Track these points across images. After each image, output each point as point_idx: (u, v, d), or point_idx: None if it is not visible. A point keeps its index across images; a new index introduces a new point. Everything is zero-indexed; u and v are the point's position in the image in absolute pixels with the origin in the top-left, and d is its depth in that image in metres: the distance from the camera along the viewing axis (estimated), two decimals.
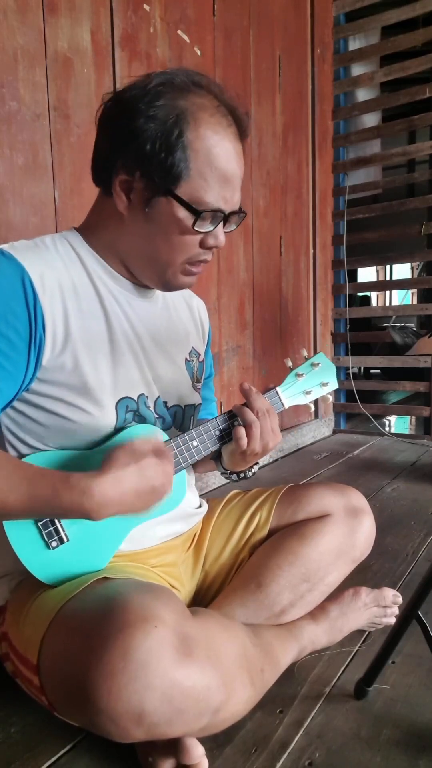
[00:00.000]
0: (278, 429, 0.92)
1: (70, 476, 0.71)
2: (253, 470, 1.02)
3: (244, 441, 0.89)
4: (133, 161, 0.80)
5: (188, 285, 0.91)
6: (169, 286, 0.90)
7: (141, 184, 0.81)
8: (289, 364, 0.98)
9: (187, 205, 0.80)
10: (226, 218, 0.84)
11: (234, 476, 1.01)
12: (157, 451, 0.78)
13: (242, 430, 0.88)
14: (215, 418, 0.91)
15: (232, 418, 0.92)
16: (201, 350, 1.07)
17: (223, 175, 0.81)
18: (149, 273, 0.88)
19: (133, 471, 0.74)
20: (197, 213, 0.80)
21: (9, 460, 0.74)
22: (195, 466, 1.07)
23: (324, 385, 0.98)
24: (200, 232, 0.83)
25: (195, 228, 0.81)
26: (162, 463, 0.77)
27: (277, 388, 0.96)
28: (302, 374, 0.96)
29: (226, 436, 0.92)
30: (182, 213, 0.81)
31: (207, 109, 0.80)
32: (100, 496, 0.70)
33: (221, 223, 0.84)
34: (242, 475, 1.01)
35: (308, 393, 0.97)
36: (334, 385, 0.99)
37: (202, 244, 0.85)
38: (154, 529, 0.93)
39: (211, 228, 0.83)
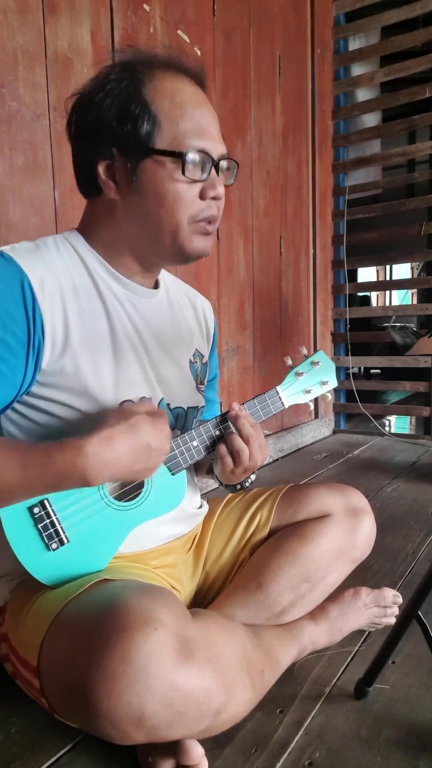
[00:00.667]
0: (265, 443, 0.92)
1: (63, 440, 0.71)
2: (250, 479, 1.02)
3: (229, 460, 0.88)
4: (107, 144, 0.81)
5: (206, 249, 0.87)
6: (186, 254, 0.86)
7: (122, 160, 0.81)
8: (289, 362, 0.98)
9: (170, 153, 0.79)
10: (216, 166, 0.83)
11: (231, 488, 1.02)
12: (149, 411, 0.77)
13: (224, 449, 0.88)
14: (215, 417, 0.91)
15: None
16: (205, 352, 1.07)
17: (195, 118, 0.81)
18: (162, 250, 0.86)
19: (124, 428, 0.73)
20: (181, 156, 0.79)
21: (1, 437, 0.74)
22: (196, 471, 1.07)
23: (324, 383, 0.98)
24: (193, 180, 0.81)
25: (186, 175, 0.80)
26: (155, 421, 0.76)
27: (277, 388, 0.96)
28: (302, 373, 0.96)
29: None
30: (169, 165, 0.80)
31: (156, 67, 0.82)
32: (94, 455, 0.70)
33: (213, 170, 0.83)
34: (239, 486, 1.01)
35: (308, 392, 0.97)
36: (333, 383, 0.99)
37: (202, 197, 0.83)
38: (156, 530, 0.93)
39: (203, 176, 0.81)
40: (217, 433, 0.90)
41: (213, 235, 0.87)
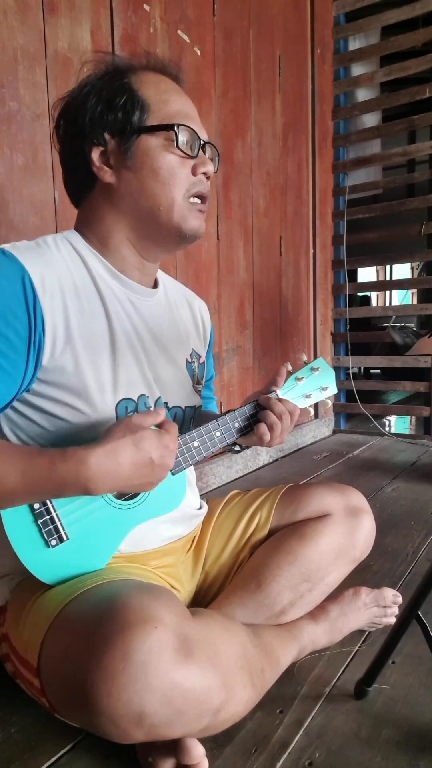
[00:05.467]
0: (294, 422, 0.94)
1: (67, 449, 0.72)
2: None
3: (267, 437, 0.91)
4: (97, 131, 0.84)
5: (200, 227, 0.90)
6: (183, 232, 0.88)
7: (114, 143, 0.85)
8: (289, 368, 0.98)
9: (162, 126, 0.84)
10: (203, 147, 0.88)
11: (236, 447, 1.01)
12: (159, 424, 0.79)
13: (264, 427, 0.90)
14: (216, 420, 0.91)
15: (233, 420, 0.92)
16: (201, 352, 1.07)
17: (179, 104, 0.86)
18: (158, 228, 0.88)
19: (129, 442, 0.73)
20: (173, 127, 0.83)
21: (2, 442, 0.75)
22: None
23: (324, 389, 0.99)
24: (186, 154, 0.85)
25: (178, 146, 0.84)
26: (161, 436, 0.77)
27: (277, 391, 0.96)
28: (302, 378, 0.97)
29: (227, 438, 0.92)
30: (161, 139, 0.84)
31: (136, 66, 0.88)
32: (97, 466, 0.71)
33: (201, 150, 0.87)
34: (244, 446, 1.01)
35: (308, 396, 0.98)
36: (333, 389, 1.00)
37: (194, 172, 0.87)
38: (156, 530, 0.93)
39: (193, 152, 0.86)
40: (218, 434, 0.91)
41: (205, 216, 0.91)
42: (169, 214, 0.86)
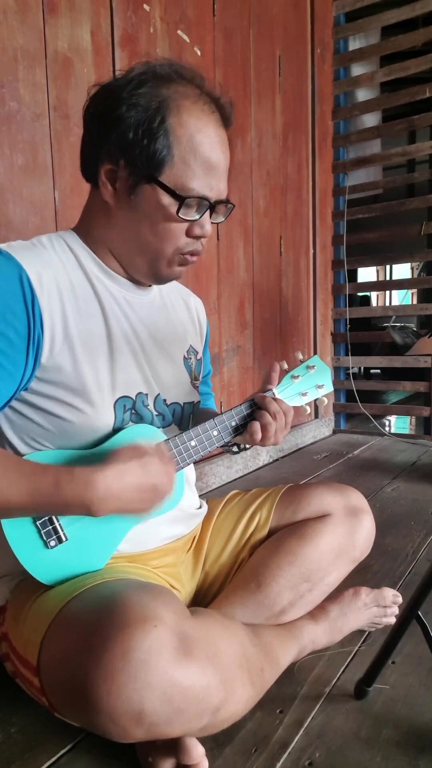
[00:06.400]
0: (289, 423, 0.94)
1: (74, 469, 0.72)
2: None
3: (258, 436, 0.90)
4: (116, 150, 0.80)
5: (179, 275, 0.91)
6: (160, 278, 0.90)
7: (125, 173, 0.81)
8: (285, 366, 0.99)
9: (171, 192, 0.80)
10: (212, 208, 0.84)
11: (234, 447, 1.01)
12: (159, 452, 0.79)
13: (257, 425, 0.90)
14: (213, 419, 0.91)
15: (230, 419, 0.92)
16: (199, 348, 1.07)
17: (207, 161, 0.81)
18: (140, 265, 0.88)
19: (136, 466, 0.75)
20: (181, 199, 0.80)
21: (8, 457, 0.75)
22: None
23: (319, 387, 0.99)
24: (185, 220, 0.82)
25: (180, 215, 0.81)
26: (164, 464, 0.78)
27: (274, 390, 0.96)
28: (298, 376, 0.97)
29: (224, 437, 0.92)
30: (166, 200, 0.81)
31: (189, 96, 0.81)
32: (104, 489, 0.71)
33: (207, 213, 0.84)
34: (243, 447, 1.01)
35: (304, 395, 0.98)
36: (329, 387, 1.00)
37: (189, 234, 0.85)
38: (156, 530, 0.93)
39: (196, 216, 0.83)
40: (215, 433, 0.91)
41: (189, 266, 0.90)
42: (153, 262, 0.87)
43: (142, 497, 0.76)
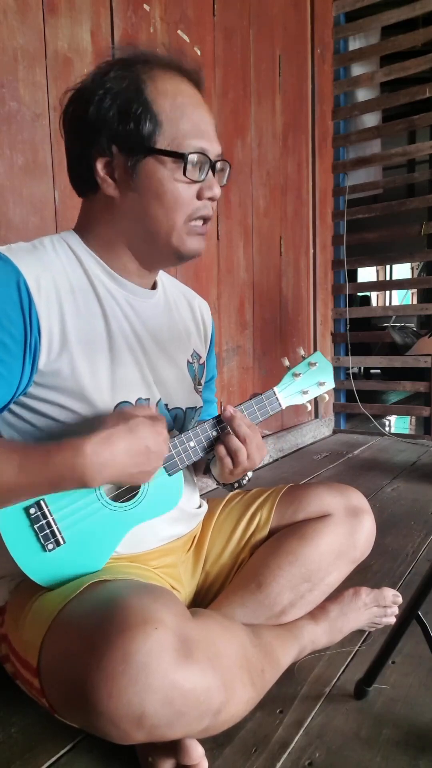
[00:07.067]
0: (263, 443, 0.92)
1: (62, 440, 0.72)
2: (247, 477, 1.01)
3: (229, 461, 0.89)
4: (106, 141, 0.81)
5: (200, 248, 0.89)
6: (181, 254, 0.88)
7: (121, 158, 0.82)
8: (287, 363, 0.98)
9: (172, 153, 0.81)
10: (213, 167, 0.85)
11: (229, 486, 1.02)
12: (147, 412, 0.78)
13: (223, 449, 0.88)
14: (213, 418, 0.91)
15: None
16: (202, 352, 1.07)
17: (195, 119, 0.82)
18: (157, 248, 0.87)
19: (124, 429, 0.74)
20: (183, 156, 0.81)
21: None
22: (195, 471, 1.07)
23: (321, 384, 0.98)
24: (192, 181, 0.83)
25: (186, 175, 0.81)
26: (154, 424, 0.77)
27: (275, 388, 0.96)
28: (299, 374, 0.96)
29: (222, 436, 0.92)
30: (169, 164, 0.81)
31: (156, 67, 0.83)
32: (93, 456, 0.71)
33: (210, 171, 0.84)
34: (236, 485, 1.01)
35: (305, 392, 0.97)
36: (331, 384, 0.99)
37: (200, 197, 0.85)
38: (156, 530, 0.92)
39: (202, 176, 0.83)
40: (215, 433, 0.90)
41: (206, 235, 0.90)
42: (168, 238, 0.85)
43: (136, 461, 0.75)
